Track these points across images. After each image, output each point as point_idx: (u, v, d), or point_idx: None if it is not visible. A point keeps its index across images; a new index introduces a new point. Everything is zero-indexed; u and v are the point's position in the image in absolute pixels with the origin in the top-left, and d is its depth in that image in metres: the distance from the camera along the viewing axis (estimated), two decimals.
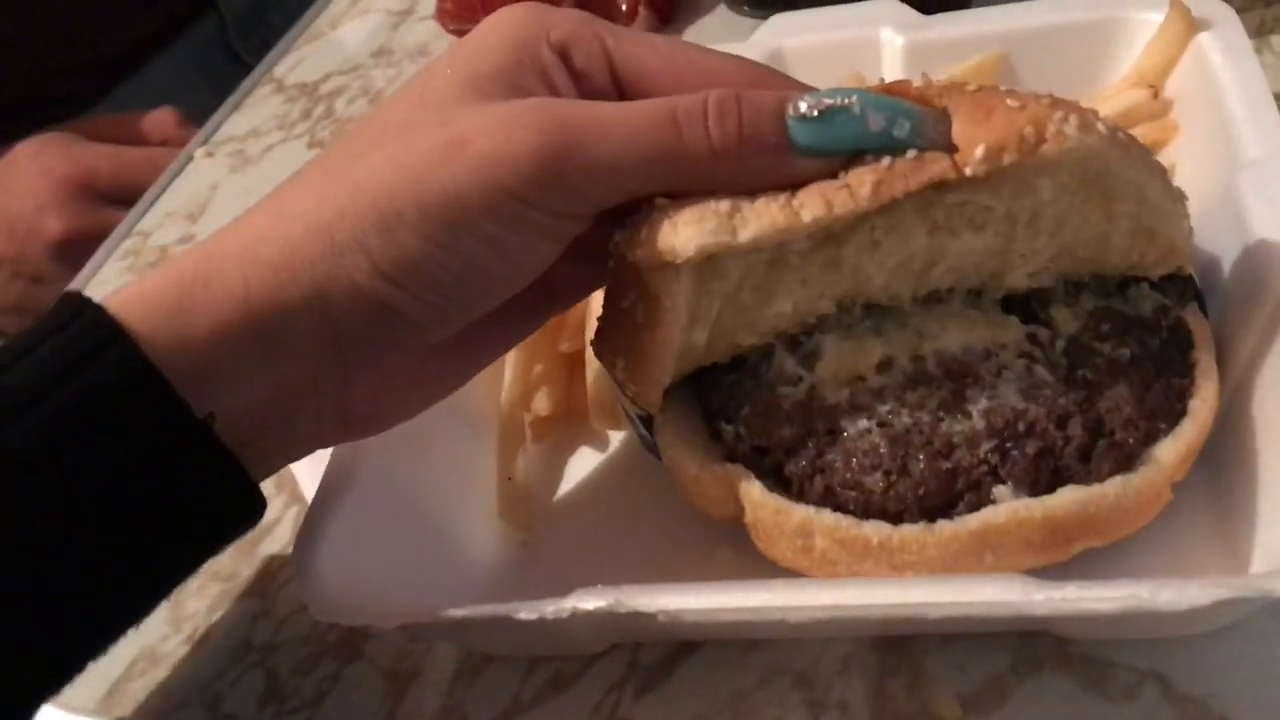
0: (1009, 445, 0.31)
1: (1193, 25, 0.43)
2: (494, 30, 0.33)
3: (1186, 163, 0.41)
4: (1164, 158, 0.42)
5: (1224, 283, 0.36)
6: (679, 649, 0.35)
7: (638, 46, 0.33)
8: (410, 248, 0.30)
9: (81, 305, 0.30)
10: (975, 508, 0.30)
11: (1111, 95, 0.45)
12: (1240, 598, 0.26)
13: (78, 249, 0.68)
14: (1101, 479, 0.30)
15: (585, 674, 0.36)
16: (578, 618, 0.30)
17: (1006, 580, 0.28)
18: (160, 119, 0.81)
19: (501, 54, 0.32)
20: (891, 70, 0.48)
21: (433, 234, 0.30)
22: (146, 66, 0.96)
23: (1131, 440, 0.31)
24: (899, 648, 0.33)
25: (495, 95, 0.31)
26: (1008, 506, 0.30)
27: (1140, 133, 0.43)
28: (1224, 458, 0.33)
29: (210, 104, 0.99)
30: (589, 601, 0.30)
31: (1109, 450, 0.31)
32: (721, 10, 0.65)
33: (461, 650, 0.37)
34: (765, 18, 0.62)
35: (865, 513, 0.31)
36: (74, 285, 0.63)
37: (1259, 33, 0.51)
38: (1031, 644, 0.32)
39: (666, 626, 0.29)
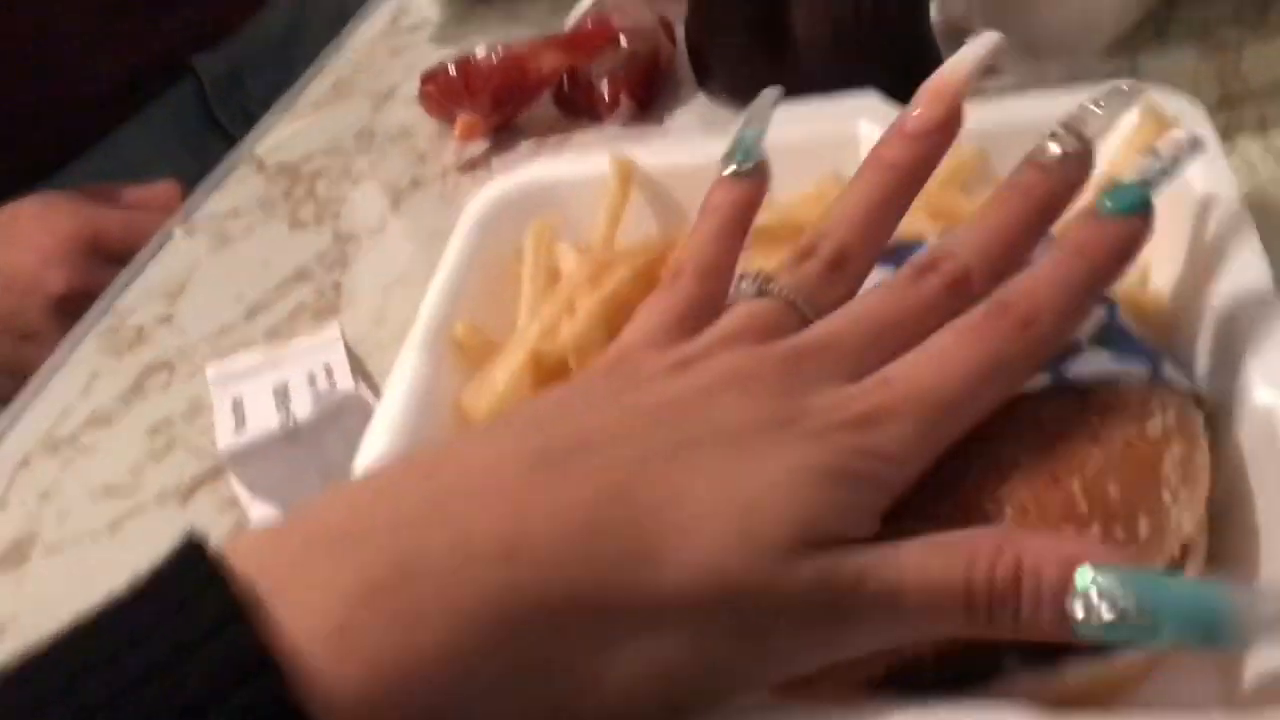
0: None
1: (1165, 124, 0.44)
2: None
3: (1161, 263, 0.42)
4: (1139, 256, 0.43)
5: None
6: None
7: None
8: None
9: (254, 659, 0.22)
10: (986, 676, 0.29)
11: (1088, 190, 0.46)
12: None
13: (80, 307, 0.68)
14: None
15: None
16: None
17: (1010, 709, 0.27)
18: (163, 191, 0.81)
19: None
20: None
21: None
22: (120, 130, 0.96)
23: None
24: None
25: None
26: (1022, 680, 0.29)
27: None
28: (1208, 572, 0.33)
29: (187, 168, 0.99)
30: None
31: None
32: (700, 100, 0.67)
33: None
34: (744, 106, 0.63)
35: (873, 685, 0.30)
36: (48, 365, 0.62)
37: (1225, 136, 0.52)
38: None
39: None
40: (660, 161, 0.52)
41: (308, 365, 0.55)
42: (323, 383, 0.53)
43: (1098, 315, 0.36)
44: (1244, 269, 0.37)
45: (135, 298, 0.64)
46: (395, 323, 0.57)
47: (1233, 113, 0.54)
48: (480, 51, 0.67)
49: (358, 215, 0.66)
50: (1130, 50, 0.60)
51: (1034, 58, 0.60)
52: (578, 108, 0.68)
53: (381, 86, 0.77)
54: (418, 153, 0.69)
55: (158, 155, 0.98)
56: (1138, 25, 0.61)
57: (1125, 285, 0.42)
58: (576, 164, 0.54)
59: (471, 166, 0.67)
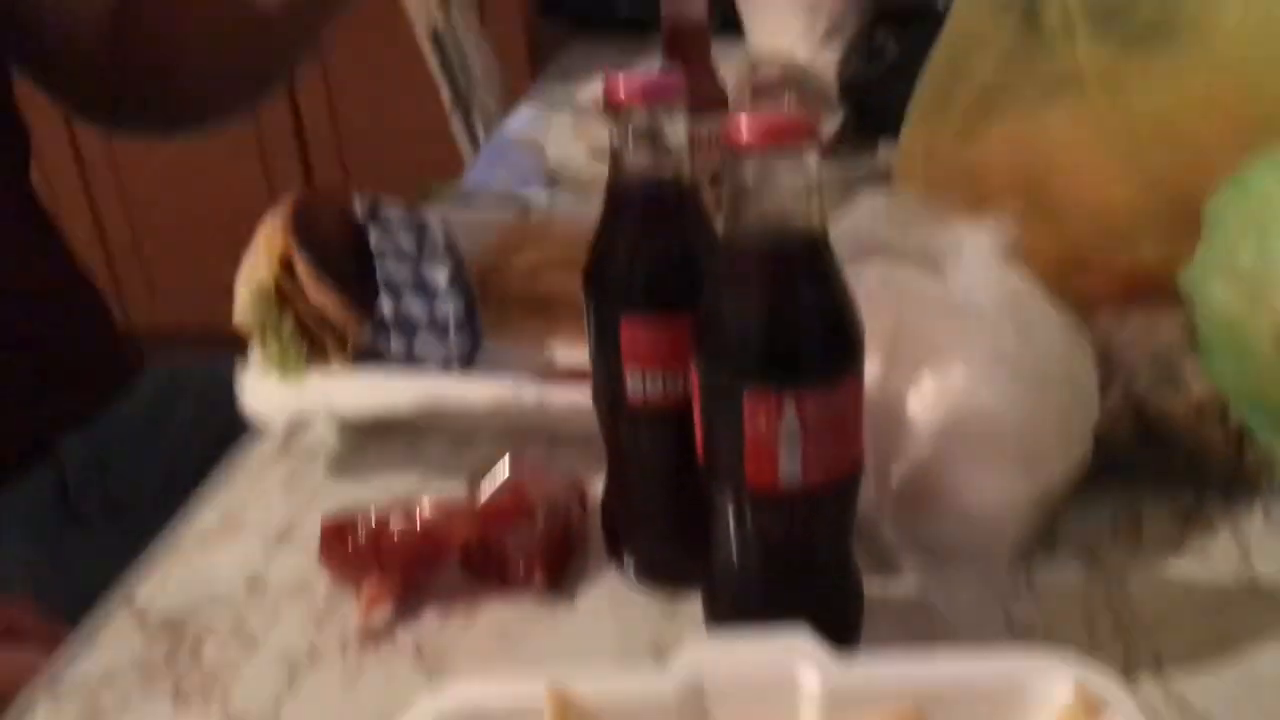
0: None
1: (1096, 710, 0.46)
2: None
3: None
4: None
5: None
6: None
7: None
8: None
9: None
10: None
11: None
12: None
13: None
14: None
15: None
16: None
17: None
18: (10, 612, 0.74)
19: None
20: (809, 713, 0.50)
21: None
22: None
23: None
24: None
25: None
26: None
27: None
28: None
29: (40, 567, 0.91)
30: None
31: None
32: (612, 574, 0.67)
33: None
34: (658, 589, 0.64)
35: None
36: None
37: (1125, 673, 0.56)
38: None
39: None
40: (598, 691, 0.51)
41: None
42: None
43: None
44: None
45: None
46: None
47: (1129, 647, 0.58)
48: (393, 520, 0.66)
49: (250, 692, 0.62)
50: (1023, 561, 0.64)
51: (938, 561, 0.64)
52: (487, 576, 0.67)
53: (274, 526, 0.74)
54: (315, 613, 0.67)
55: (8, 546, 0.91)
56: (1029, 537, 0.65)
57: None
58: (506, 689, 0.52)
59: (374, 637, 0.64)
